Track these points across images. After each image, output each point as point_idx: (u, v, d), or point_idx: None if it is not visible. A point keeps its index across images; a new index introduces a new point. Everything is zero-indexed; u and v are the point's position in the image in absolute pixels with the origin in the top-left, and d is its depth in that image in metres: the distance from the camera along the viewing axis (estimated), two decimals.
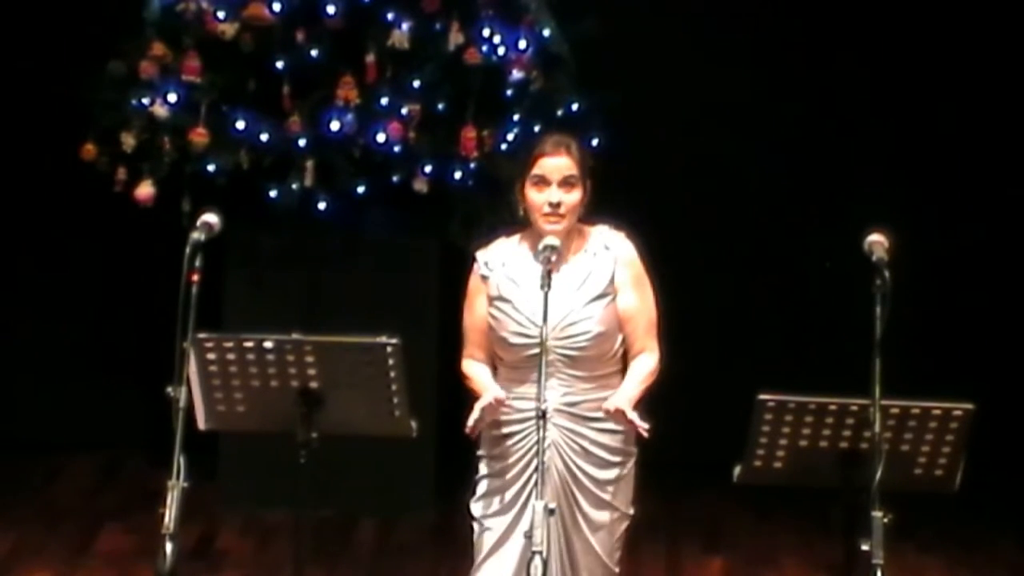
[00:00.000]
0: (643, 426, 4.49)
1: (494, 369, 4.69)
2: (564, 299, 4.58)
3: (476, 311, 4.68)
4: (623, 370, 4.67)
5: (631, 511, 4.67)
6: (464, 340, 4.71)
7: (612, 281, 4.62)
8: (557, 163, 4.60)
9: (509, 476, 4.62)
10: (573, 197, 4.60)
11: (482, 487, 4.66)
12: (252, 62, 7.05)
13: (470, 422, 4.52)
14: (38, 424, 7.96)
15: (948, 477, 4.56)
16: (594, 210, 4.71)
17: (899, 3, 7.83)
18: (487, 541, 4.63)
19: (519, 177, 4.64)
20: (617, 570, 4.67)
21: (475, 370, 4.68)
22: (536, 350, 4.49)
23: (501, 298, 4.63)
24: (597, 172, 4.74)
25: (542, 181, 4.59)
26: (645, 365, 4.63)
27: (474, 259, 4.72)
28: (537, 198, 4.60)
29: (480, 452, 4.68)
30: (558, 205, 4.57)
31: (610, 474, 4.62)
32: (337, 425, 4.63)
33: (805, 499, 4.90)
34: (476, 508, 4.67)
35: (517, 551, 4.59)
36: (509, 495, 4.62)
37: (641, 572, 6.61)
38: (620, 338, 4.64)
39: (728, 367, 7.64)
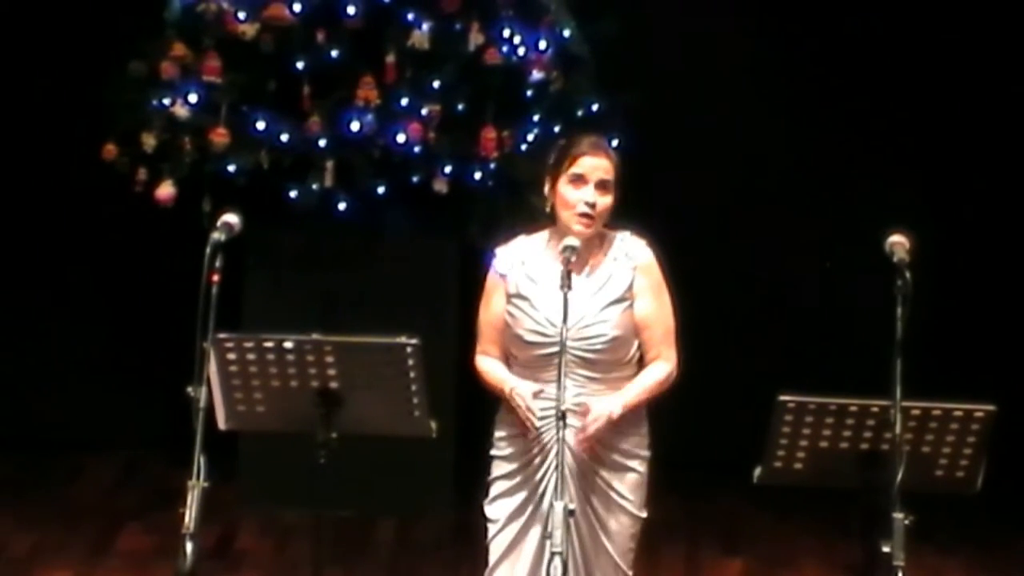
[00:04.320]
0: (581, 440, 4.44)
1: (507, 367, 4.67)
2: (582, 302, 4.58)
3: (493, 308, 4.67)
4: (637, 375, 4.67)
5: (644, 513, 4.66)
6: (479, 336, 4.71)
7: (631, 287, 4.62)
8: (597, 163, 4.59)
9: (523, 476, 4.61)
10: (607, 201, 4.59)
11: (496, 488, 4.65)
12: (272, 62, 7.05)
13: (534, 422, 4.46)
14: (59, 424, 7.98)
15: (969, 478, 4.55)
16: (613, 211, 4.70)
17: (919, 3, 7.81)
18: (501, 542, 4.63)
19: (551, 174, 4.62)
20: (631, 572, 4.66)
21: (490, 365, 4.67)
22: (550, 349, 4.48)
23: (519, 296, 4.63)
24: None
25: (580, 179, 4.58)
26: (654, 373, 4.62)
27: (493, 256, 4.72)
28: (573, 195, 4.58)
29: (493, 452, 4.68)
30: (593, 206, 4.56)
31: (624, 477, 4.62)
32: (356, 425, 4.64)
33: (825, 500, 4.89)
34: (490, 509, 4.66)
35: (532, 552, 4.59)
36: (523, 495, 4.61)
37: (660, 573, 6.60)
38: (636, 344, 4.64)
39: (748, 368, 7.62)
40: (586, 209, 4.56)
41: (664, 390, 4.64)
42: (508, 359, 4.67)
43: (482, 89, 7.05)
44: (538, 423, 4.50)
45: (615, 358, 4.59)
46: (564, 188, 4.59)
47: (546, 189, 4.64)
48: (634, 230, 4.70)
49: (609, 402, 4.52)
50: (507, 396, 4.56)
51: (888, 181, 7.83)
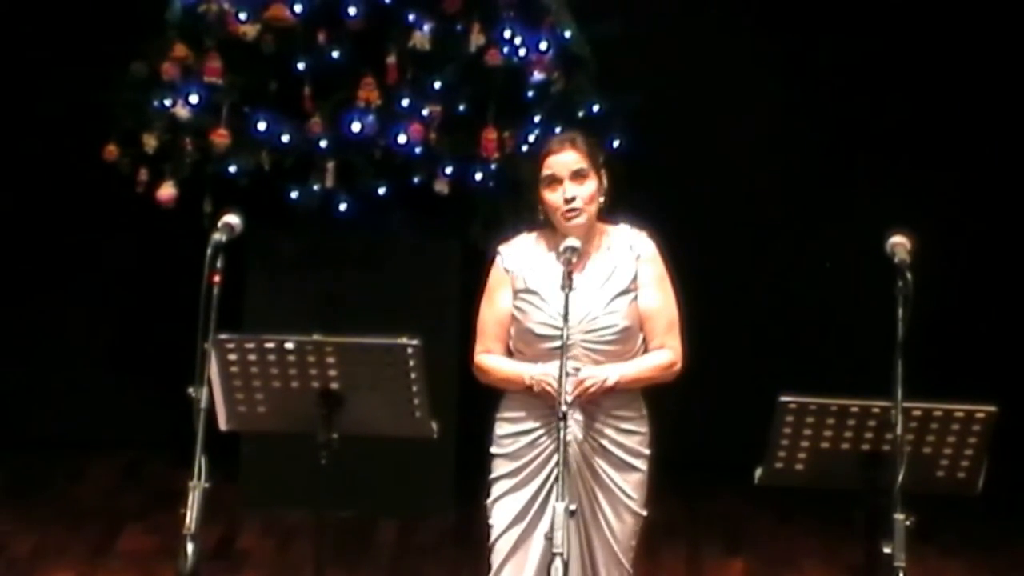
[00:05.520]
0: (565, 399, 4.34)
1: None
2: (589, 295, 4.58)
3: (498, 303, 4.67)
4: None
5: (645, 512, 4.67)
6: (480, 334, 4.68)
7: (635, 278, 4.62)
8: (564, 159, 4.61)
9: (526, 474, 4.61)
10: (586, 189, 4.60)
11: (498, 487, 4.65)
12: (273, 63, 7.05)
13: (565, 400, 4.38)
14: (60, 424, 7.98)
15: (970, 480, 4.54)
16: (615, 210, 4.71)
17: (919, 4, 7.81)
18: (505, 543, 4.62)
19: (536, 185, 4.64)
20: (632, 570, 4.66)
21: (498, 360, 4.64)
22: (560, 343, 4.47)
23: (528, 290, 4.63)
24: (615, 170, 4.74)
25: (553, 180, 4.60)
26: (656, 357, 4.62)
27: (496, 253, 4.72)
28: (552, 198, 4.60)
29: (495, 451, 4.67)
30: (572, 199, 4.58)
31: (628, 476, 4.62)
32: (357, 426, 4.63)
33: (826, 501, 4.88)
34: (493, 509, 4.65)
35: (537, 552, 4.58)
36: (527, 495, 4.61)
37: (661, 574, 6.60)
38: (642, 337, 4.64)
39: (749, 368, 7.62)
40: (567, 206, 4.57)
41: (666, 378, 4.63)
42: (512, 356, 4.66)
43: (483, 90, 7.05)
44: (569, 398, 4.43)
45: (624, 350, 4.59)
46: (544, 193, 4.62)
47: (536, 199, 4.65)
48: (634, 224, 4.70)
49: (607, 369, 4.53)
50: (528, 384, 4.54)
51: (889, 181, 7.83)
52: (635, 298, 4.62)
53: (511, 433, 4.64)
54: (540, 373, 4.52)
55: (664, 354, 4.63)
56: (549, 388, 4.48)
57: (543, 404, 4.55)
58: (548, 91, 7.11)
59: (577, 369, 4.52)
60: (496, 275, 4.69)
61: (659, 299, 4.63)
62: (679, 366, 4.66)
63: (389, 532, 7.15)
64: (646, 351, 4.64)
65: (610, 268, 4.63)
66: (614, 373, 4.53)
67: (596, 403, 4.57)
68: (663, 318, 4.63)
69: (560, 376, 4.42)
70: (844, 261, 7.69)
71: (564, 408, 4.38)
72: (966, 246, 7.82)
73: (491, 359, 4.66)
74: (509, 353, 4.66)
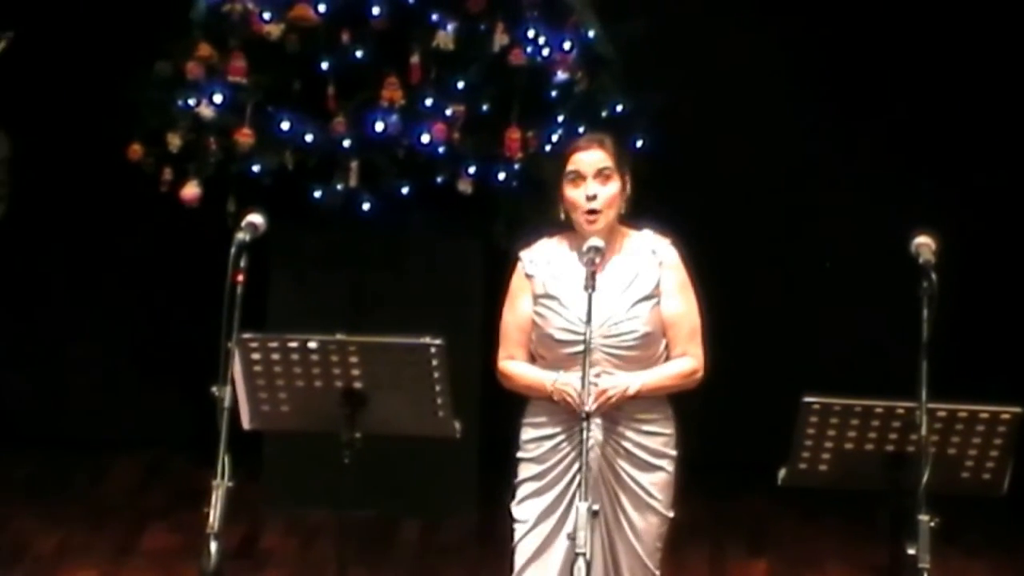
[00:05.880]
0: (587, 407, 4.37)
1: None
2: (611, 299, 4.58)
3: (519, 309, 4.67)
4: None
5: (671, 513, 4.66)
6: (503, 340, 4.69)
7: (657, 284, 4.61)
8: (590, 156, 4.60)
9: (551, 478, 4.61)
10: (609, 189, 4.59)
11: (524, 489, 4.65)
12: (297, 63, 7.06)
13: (587, 406, 4.41)
14: (84, 423, 8.00)
15: (996, 481, 4.53)
16: (637, 211, 4.70)
17: (946, 8, 7.79)
18: (529, 545, 4.62)
19: (558, 182, 4.64)
20: (658, 572, 4.66)
21: (521, 367, 4.65)
22: (581, 348, 4.47)
23: (547, 295, 4.63)
24: (639, 173, 4.73)
25: (578, 176, 4.60)
26: (679, 364, 4.62)
27: (517, 258, 4.71)
28: (573, 194, 4.60)
29: (520, 454, 4.67)
30: (594, 197, 4.56)
31: (653, 476, 4.62)
32: (381, 425, 4.64)
33: (850, 502, 4.87)
34: (518, 510, 4.65)
35: (560, 555, 4.58)
36: (552, 497, 4.61)
37: (685, 574, 6.59)
38: (664, 343, 4.64)
39: (773, 369, 7.60)
40: (589, 205, 4.56)
41: (687, 385, 4.63)
42: (534, 361, 4.66)
43: (507, 89, 7.04)
44: (591, 406, 4.44)
45: (646, 355, 4.59)
46: (566, 190, 4.61)
47: (558, 197, 4.64)
48: (657, 228, 4.70)
49: (628, 377, 4.53)
50: (550, 391, 4.54)
51: (913, 182, 7.80)
52: (657, 304, 4.61)
53: (535, 438, 4.64)
54: (562, 383, 4.51)
55: (686, 362, 4.62)
56: (570, 399, 4.48)
57: (565, 410, 4.55)
58: (572, 91, 7.10)
59: (599, 376, 4.51)
60: (517, 281, 4.69)
61: (682, 306, 4.63)
62: (701, 374, 4.65)
63: (412, 532, 7.15)
64: (668, 358, 4.63)
65: (632, 272, 4.62)
66: (635, 382, 4.53)
67: (618, 406, 4.57)
68: (686, 325, 4.63)
69: (583, 377, 4.41)
70: (868, 261, 7.66)
71: (587, 409, 4.38)
72: (991, 246, 7.79)
73: (514, 366, 4.66)
74: (532, 358, 4.66)
